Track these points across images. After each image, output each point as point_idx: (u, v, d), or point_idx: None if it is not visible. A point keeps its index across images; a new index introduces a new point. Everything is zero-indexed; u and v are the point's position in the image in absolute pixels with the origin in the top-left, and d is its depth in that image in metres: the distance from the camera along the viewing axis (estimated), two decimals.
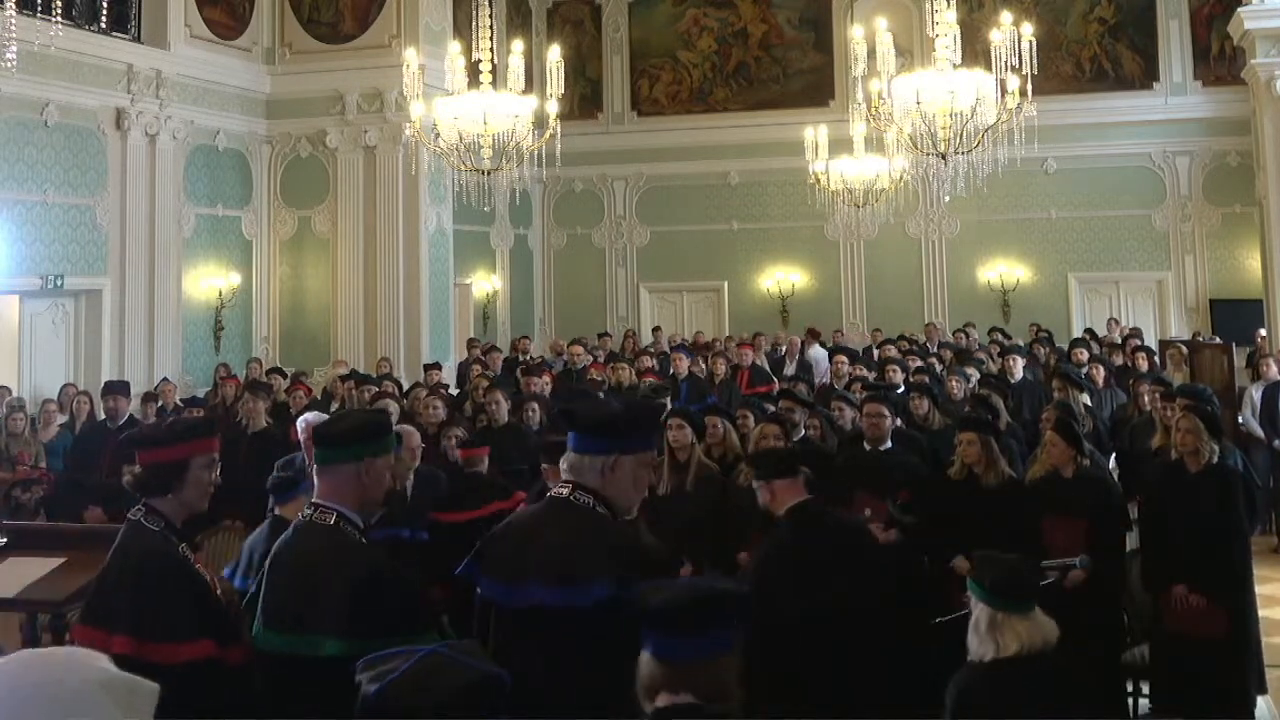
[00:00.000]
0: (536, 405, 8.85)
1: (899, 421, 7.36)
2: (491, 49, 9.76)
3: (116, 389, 10.08)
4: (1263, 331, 14.61)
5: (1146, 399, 8.75)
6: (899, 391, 9.00)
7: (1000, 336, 14.83)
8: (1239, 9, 14.25)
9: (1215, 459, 6.02)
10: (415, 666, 1.98)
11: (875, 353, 13.46)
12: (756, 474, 4.68)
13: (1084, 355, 11.50)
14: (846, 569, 4.32)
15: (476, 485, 6.74)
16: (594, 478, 3.36)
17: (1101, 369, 10.59)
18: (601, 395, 9.54)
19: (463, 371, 13.93)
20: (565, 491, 3.40)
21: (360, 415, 3.86)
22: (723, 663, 2.42)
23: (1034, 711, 3.34)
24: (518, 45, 10.05)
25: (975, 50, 12.00)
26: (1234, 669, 5.95)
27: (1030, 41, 9.66)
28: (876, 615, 4.33)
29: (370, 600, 3.22)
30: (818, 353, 14.80)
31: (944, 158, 9.83)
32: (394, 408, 8.46)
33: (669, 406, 7.95)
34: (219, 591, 3.66)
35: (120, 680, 1.59)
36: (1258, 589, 8.39)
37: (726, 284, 19.29)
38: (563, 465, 3.46)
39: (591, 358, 12.81)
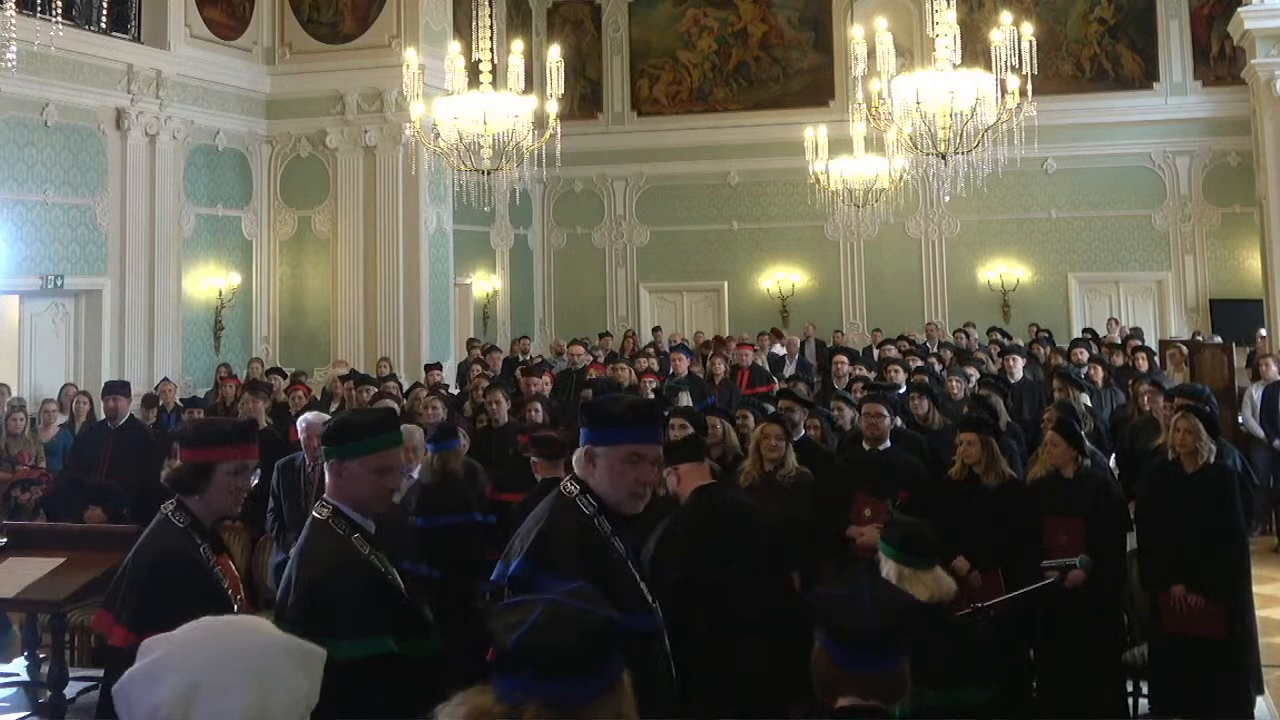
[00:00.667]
0: (539, 405, 8.86)
1: (899, 421, 7.37)
2: (491, 49, 9.77)
3: (116, 389, 10.06)
4: (1263, 331, 14.61)
5: (1146, 399, 8.76)
6: (899, 391, 9.00)
7: (1000, 336, 14.83)
8: (1239, 9, 14.25)
9: (1213, 459, 6.02)
10: (541, 617, 2.06)
11: (875, 353, 13.46)
12: (666, 459, 4.84)
13: (1084, 355, 11.50)
14: (736, 542, 4.58)
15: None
16: (579, 467, 3.38)
17: (1101, 369, 10.59)
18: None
19: (463, 371, 13.93)
20: (567, 478, 3.46)
21: (358, 413, 3.85)
22: (901, 668, 2.57)
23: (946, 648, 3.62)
24: (518, 45, 10.05)
25: (975, 50, 11.99)
26: (1233, 669, 5.95)
27: (1030, 41, 9.66)
28: (762, 584, 4.60)
29: (321, 600, 3.22)
30: (777, 352, 14.90)
31: (944, 158, 9.82)
32: (394, 408, 8.46)
33: (682, 405, 7.99)
34: (238, 597, 3.65)
35: (296, 645, 1.74)
36: (1258, 589, 8.40)
37: (726, 284, 19.29)
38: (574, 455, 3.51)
39: (592, 358, 12.80)
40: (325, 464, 3.50)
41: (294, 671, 1.66)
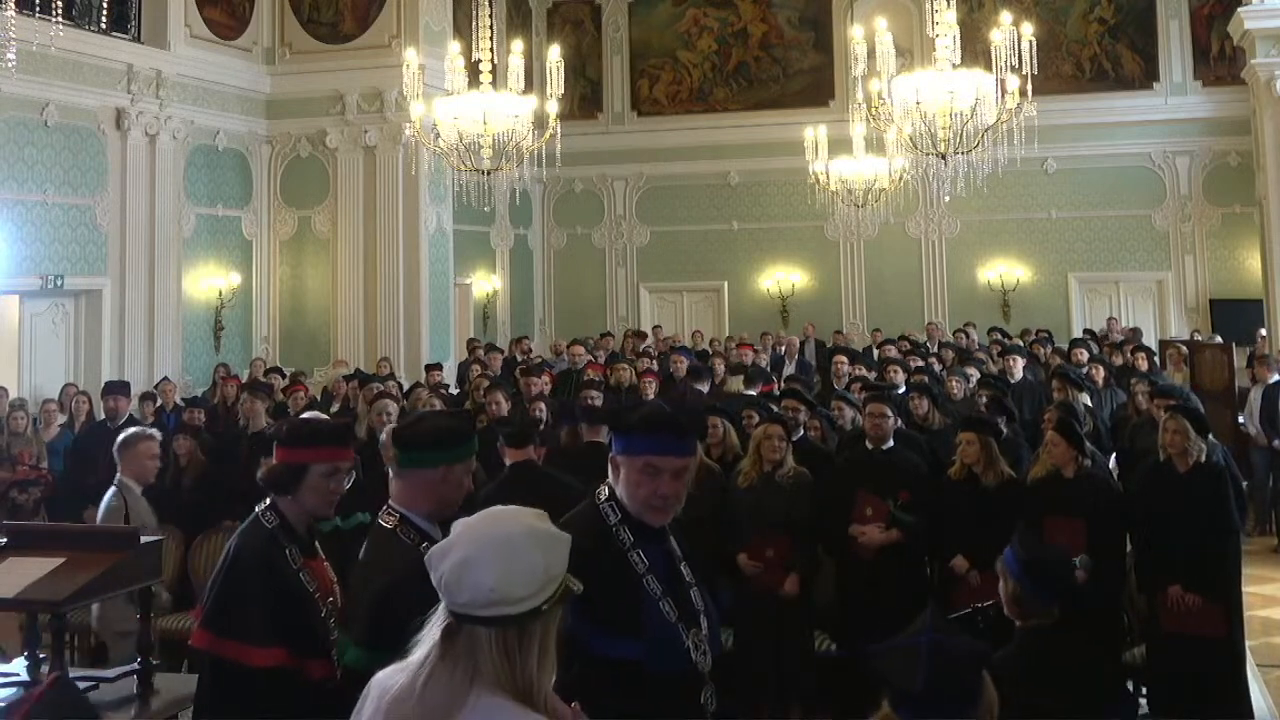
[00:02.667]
0: (543, 405, 8.89)
1: (899, 422, 7.36)
2: (491, 49, 9.77)
3: (117, 389, 10.08)
4: (1263, 331, 14.62)
5: (1143, 399, 8.77)
6: (899, 392, 9.00)
7: (1000, 336, 14.83)
8: (1239, 9, 14.26)
9: (1203, 458, 6.04)
10: (932, 658, 2.43)
11: (875, 353, 13.46)
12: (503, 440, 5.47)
13: (1083, 355, 11.50)
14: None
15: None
16: (611, 475, 3.18)
17: (1101, 369, 10.58)
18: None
19: (463, 371, 13.93)
20: (604, 483, 3.25)
21: (442, 419, 3.67)
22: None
23: None
24: (518, 45, 10.05)
25: (975, 50, 11.99)
26: (1231, 667, 5.96)
27: (1030, 41, 9.66)
28: None
29: (387, 611, 3.08)
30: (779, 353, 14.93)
31: (944, 158, 9.82)
32: (394, 408, 8.46)
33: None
34: (329, 601, 3.57)
35: (542, 531, 2.19)
36: (1259, 589, 8.42)
37: (726, 284, 19.29)
38: None
39: (592, 358, 12.80)
40: (394, 470, 3.38)
41: (533, 552, 2.12)
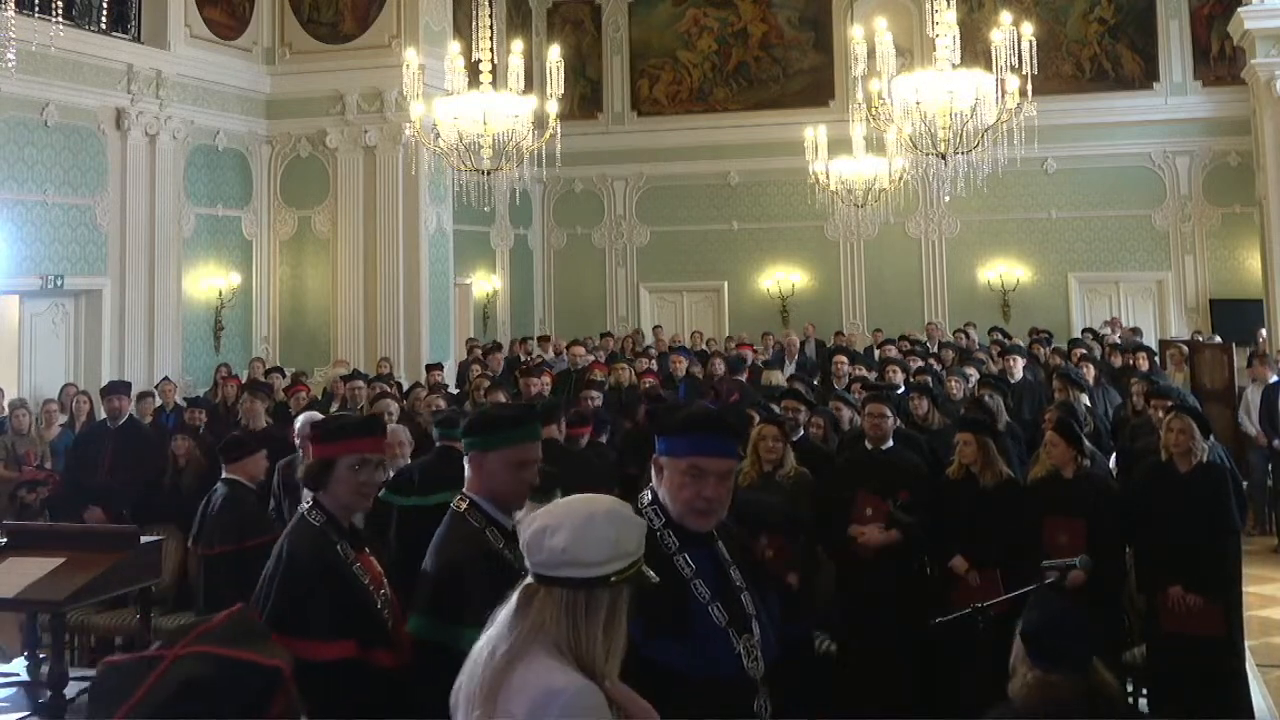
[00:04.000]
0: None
1: (899, 422, 7.36)
2: (491, 49, 9.77)
3: (117, 389, 10.08)
4: (1263, 331, 14.62)
5: (1140, 399, 8.78)
6: (899, 392, 9.00)
7: (1000, 336, 14.83)
8: (1239, 9, 14.26)
9: (1205, 458, 6.03)
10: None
11: (876, 353, 13.46)
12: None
13: (1078, 353, 11.48)
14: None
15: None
16: (654, 477, 3.13)
17: (1092, 367, 10.53)
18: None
19: (463, 371, 13.93)
20: (648, 487, 3.19)
21: (499, 406, 3.85)
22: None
23: None
24: (518, 45, 10.05)
25: (975, 50, 12.00)
26: (1231, 666, 5.96)
27: (1030, 41, 9.66)
28: None
29: (446, 584, 3.27)
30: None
31: (944, 158, 9.82)
32: (394, 407, 8.47)
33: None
34: (381, 593, 3.64)
35: (619, 510, 2.42)
36: (1259, 589, 8.42)
37: (726, 284, 19.30)
38: None
39: (592, 358, 12.80)
40: (465, 456, 3.52)
41: (606, 525, 2.36)
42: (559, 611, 2.31)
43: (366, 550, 3.73)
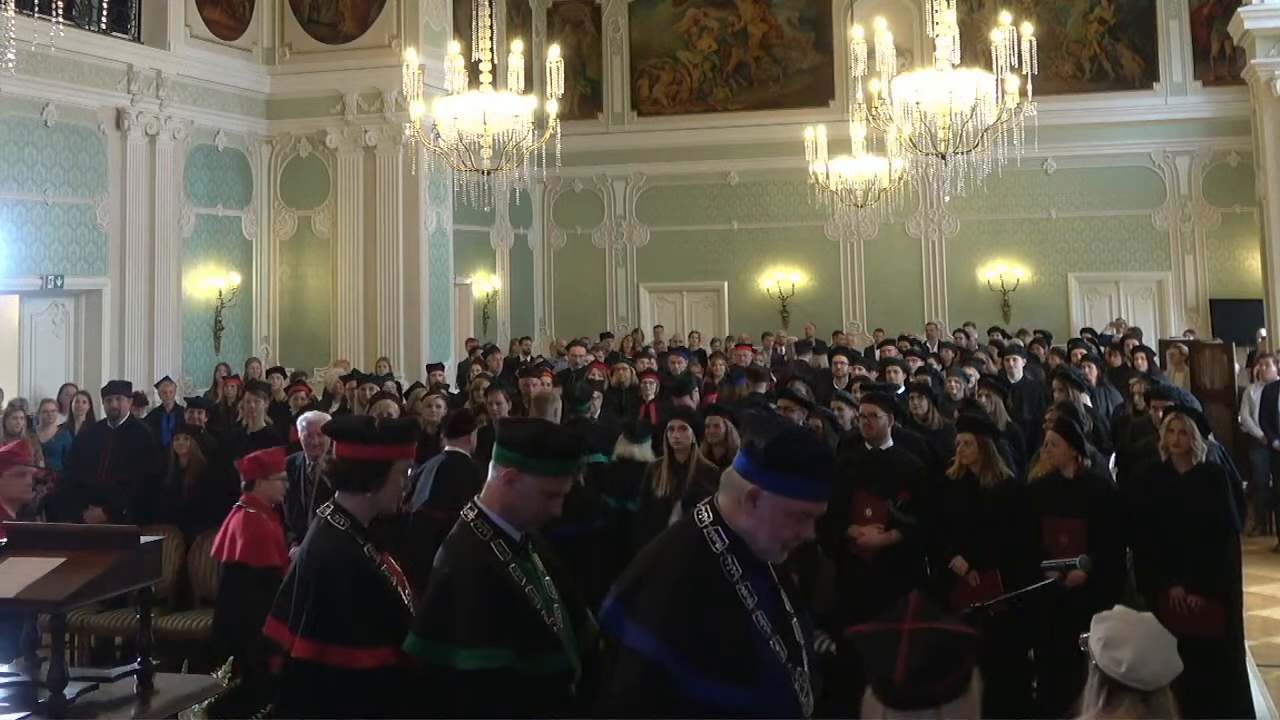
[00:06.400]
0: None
1: (897, 421, 7.35)
2: (491, 49, 9.76)
3: (118, 389, 10.08)
4: (1263, 331, 14.62)
5: (1139, 399, 8.78)
6: (899, 392, 8.99)
7: (1000, 336, 14.83)
8: (1239, 9, 14.26)
9: (1204, 458, 6.03)
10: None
11: (876, 353, 13.46)
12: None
13: (1079, 353, 11.48)
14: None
15: None
16: (730, 500, 2.83)
17: (1095, 367, 10.54)
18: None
19: (463, 371, 13.93)
20: (702, 502, 2.92)
21: (552, 431, 3.51)
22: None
23: None
24: (518, 45, 10.04)
25: (975, 50, 12.00)
26: (1232, 667, 5.96)
27: (1030, 41, 9.66)
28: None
29: (445, 601, 3.12)
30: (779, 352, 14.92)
31: (944, 158, 9.82)
32: (394, 408, 8.47)
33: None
34: (407, 593, 3.62)
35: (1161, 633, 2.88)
36: (1259, 589, 8.42)
37: (726, 284, 19.29)
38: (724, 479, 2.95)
39: (592, 358, 12.80)
40: (496, 465, 3.30)
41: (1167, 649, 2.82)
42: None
43: (387, 552, 3.72)
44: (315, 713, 3.47)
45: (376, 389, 9.70)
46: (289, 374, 12.50)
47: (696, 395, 9.28)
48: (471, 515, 3.27)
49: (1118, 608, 3.13)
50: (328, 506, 3.66)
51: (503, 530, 3.22)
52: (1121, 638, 2.96)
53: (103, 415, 10.13)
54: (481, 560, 3.17)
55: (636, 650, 2.71)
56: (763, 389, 9.60)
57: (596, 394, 9.39)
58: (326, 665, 3.45)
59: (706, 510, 2.86)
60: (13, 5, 8.42)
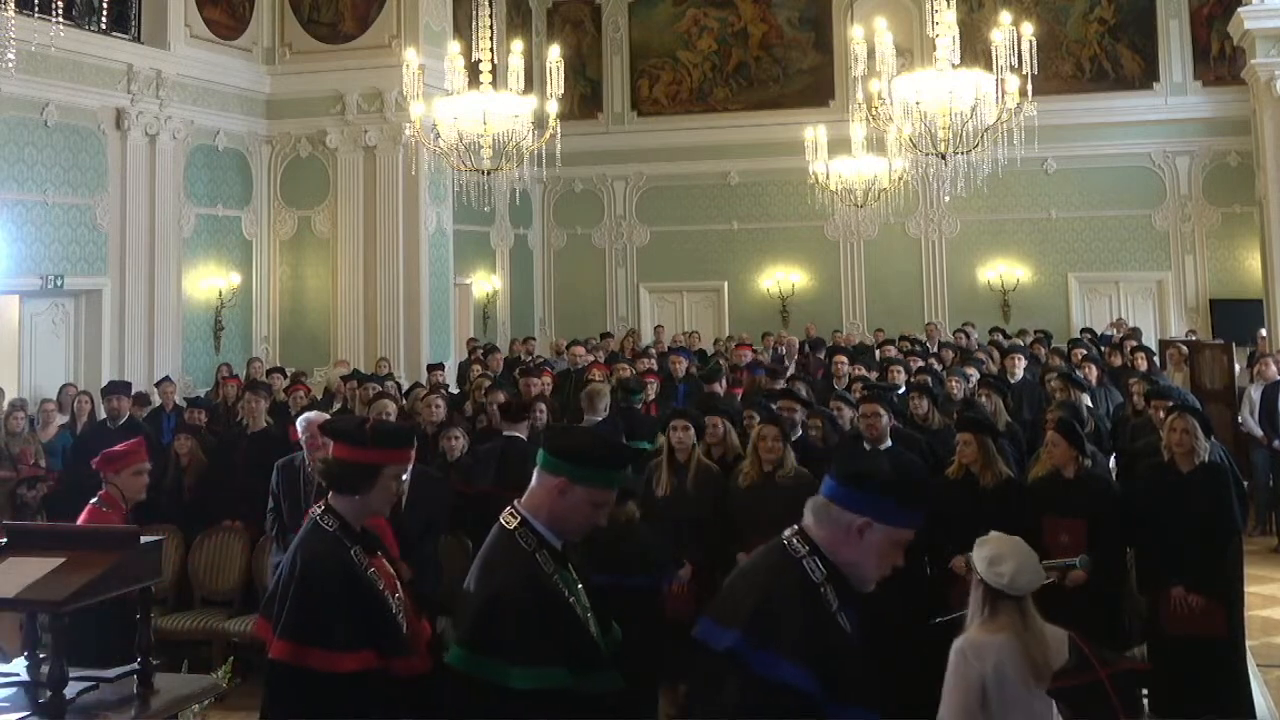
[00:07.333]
0: (544, 406, 8.91)
1: (897, 421, 7.35)
2: (491, 49, 9.76)
3: (118, 389, 10.07)
4: (1263, 331, 14.62)
5: (1139, 399, 8.78)
6: (899, 392, 8.99)
7: (1000, 337, 14.83)
8: (1239, 9, 14.25)
9: (1207, 458, 6.03)
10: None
11: (877, 353, 13.46)
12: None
13: (1080, 354, 11.48)
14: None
15: None
16: (833, 533, 2.86)
17: (1095, 368, 10.54)
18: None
19: (463, 371, 13.93)
20: (789, 533, 2.92)
21: (610, 444, 3.48)
22: None
23: None
24: (518, 45, 10.04)
25: (975, 50, 12.00)
26: (1233, 667, 5.95)
27: (1030, 41, 9.66)
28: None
29: (494, 620, 3.02)
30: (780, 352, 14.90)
31: (944, 158, 9.82)
32: (393, 408, 8.47)
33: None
34: (396, 597, 3.58)
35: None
36: (1259, 589, 8.42)
37: (726, 284, 19.29)
38: (809, 509, 2.93)
39: (592, 358, 12.80)
40: (544, 474, 3.20)
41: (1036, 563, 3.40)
42: None
43: (379, 554, 3.69)
44: (301, 715, 3.43)
45: (377, 389, 9.71)
46: (289, 374, 12.50)
47: (724, 384, 9.98)
48: (514, 523, 3.16)
49: (993, 533, 3.89)
50: (319, 507, 3.63)
51: (546, 540, 3.14)
52: (1002, 555, 3.70)
53: (103, 415, 10.12)
54: (528, 572, 3.09)
55: (783, 681, 2.67)
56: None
57: (651, 382, 10.17)
58: (307, 668, 3.41)
59: (800, 541, 2.87)
60: (13, 5, 8.41)
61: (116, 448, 5.95)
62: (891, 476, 2.95)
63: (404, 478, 3.75)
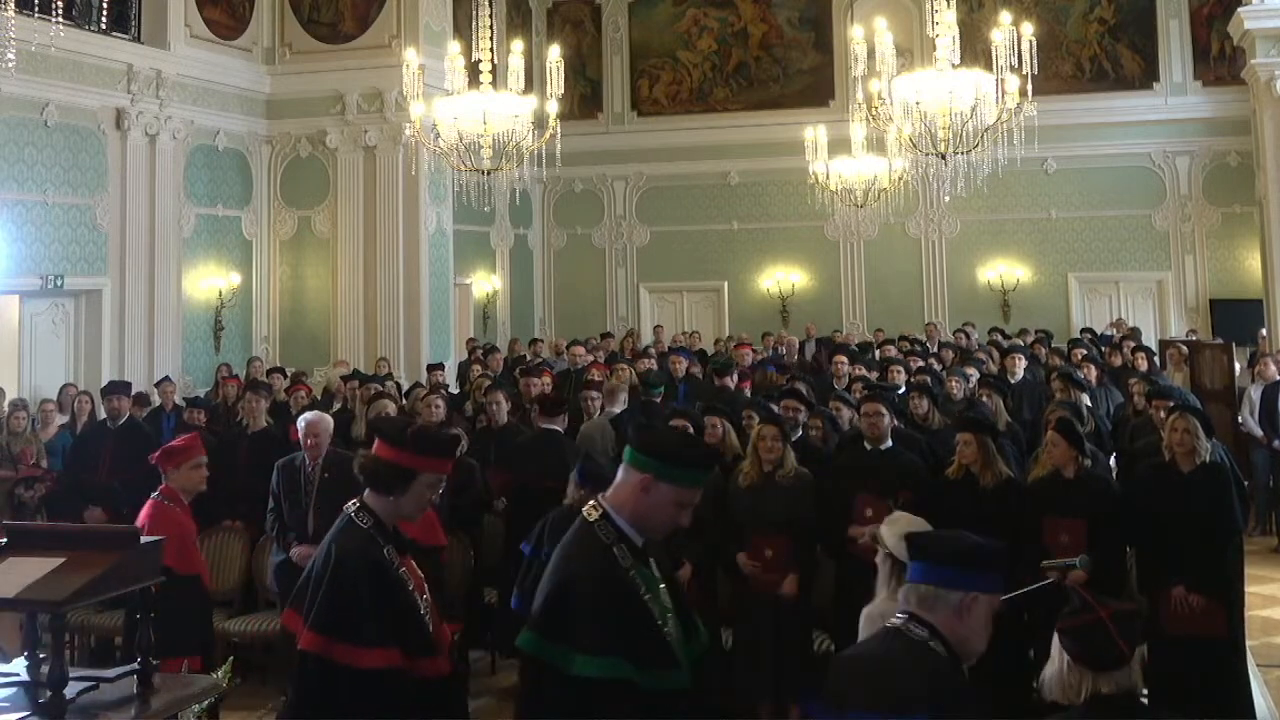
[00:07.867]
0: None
1: (897, 421, 7.35)
2: (491, 49, 9.76)
3: (118, 389, 10.07)
4: (1263, 331, 14.62)
5: (1139, 399, 8.78)
6: (899, 392, 8.99)
7: (1000, 337, 14.83)
8: (1239, 9, 14.26)
9: (1208, 457, 6.03)
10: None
11: (877, 353, 13.46)
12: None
13: (1080, 354, 11.48)
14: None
15: None
16: (946, 614, 2.93)
17: (1094, 368, 10.54)
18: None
19: (463, 371, 13.93)
20: (898, 621, 2.99)
21: (699, 445, 3.47)
22: None
23: None
24: (518, 45, 10.04)
25: (975, 50, 12.00)
26: (1233, 667, 5.95)
27: (1030, 41, 9.66)
28: None
29: (566, 605, 3.06)
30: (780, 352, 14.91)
31: (944, 158, 9.82)
32: (392, 408, 8.47)
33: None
34: (424, 598, 3.60)
35: None
36: (1259, 589, 8.42)
37: (726, 284, 19.29)
38: (909, 597, 3.01)
39: (592, 358, 12.80)
40: (630, 469, 3.19)
41: None
42: None
43: (409, 555, 3.70)
44: (326, 708, 3.46)
45: (377, 389, 9.71)
46: (289, 374, 12.50)
47: (735, 378, 10.32)
48: (595, 515, 3.17)
49: (897, 512, 4.27)
50: (354, 504, 3.63)
51: (626, 535, 3.14)
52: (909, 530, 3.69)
53: (103, 415, 10.12)
54: (604, 564, 3.10)
55: None
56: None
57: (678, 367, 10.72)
58: (333, 661, 3.44)
59: (918, 627, 2.98)
60: (13, 5, 8.41)
61: (174, 442, 6.02)
62: (980, 549, 3.07)
63: (439, 489, 3.72)
